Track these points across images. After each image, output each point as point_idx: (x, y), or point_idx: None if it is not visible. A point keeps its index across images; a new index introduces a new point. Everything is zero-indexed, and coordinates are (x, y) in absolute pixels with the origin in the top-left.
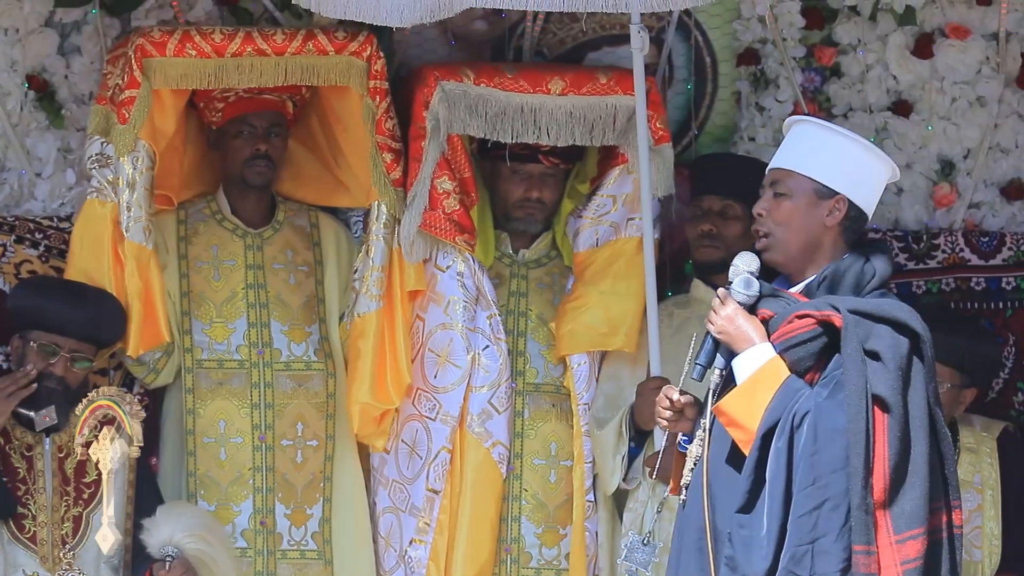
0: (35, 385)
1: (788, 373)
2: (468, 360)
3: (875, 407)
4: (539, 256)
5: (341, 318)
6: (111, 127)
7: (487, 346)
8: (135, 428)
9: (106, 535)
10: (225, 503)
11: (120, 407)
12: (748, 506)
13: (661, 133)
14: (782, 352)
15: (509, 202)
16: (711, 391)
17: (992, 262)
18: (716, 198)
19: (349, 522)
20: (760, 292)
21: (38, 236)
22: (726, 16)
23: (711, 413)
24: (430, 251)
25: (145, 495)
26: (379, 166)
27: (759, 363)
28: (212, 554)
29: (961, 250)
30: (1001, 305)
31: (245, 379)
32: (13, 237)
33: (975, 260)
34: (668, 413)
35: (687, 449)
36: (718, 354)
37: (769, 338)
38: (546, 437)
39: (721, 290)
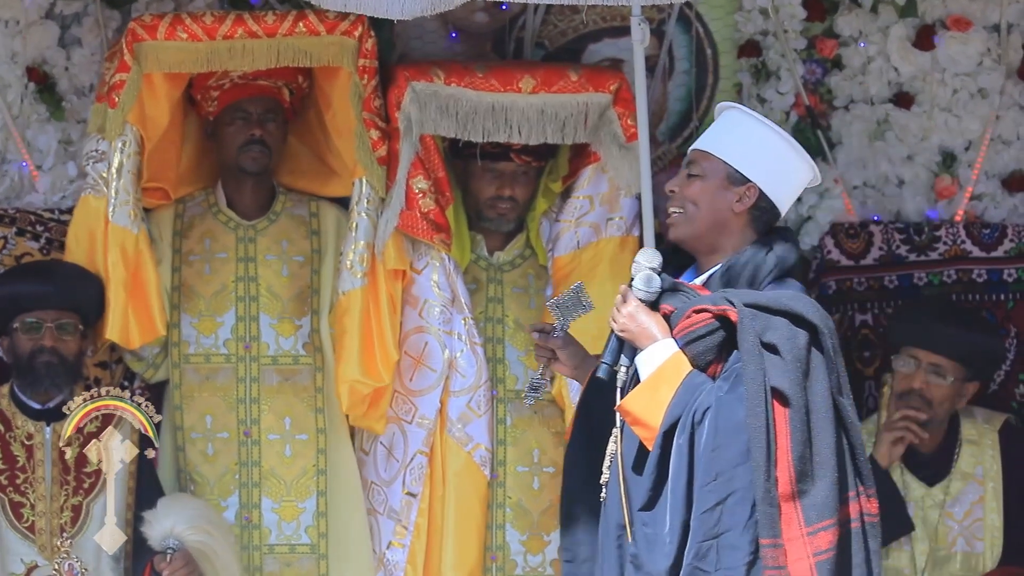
0: None
1: (690, 368)
2: (444, 363)
3: (774, 400)
4: (513, 257)
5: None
6: (106, 118)
7: (463, 350)
8: (152, 431)
9: (109, 535)
10: (213, 499)
11: (138, 409)
12: (650, 503)
13: (632, 131)
14: (684, 346)
15: (481, 200)
16: (620, 389)
17: (993, 254)
18: None
19: (345, 515)
20: (661, 287)
21: (39, 228)
22: (727, 8)
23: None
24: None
25: (146, 487)
26: (365, 143)
27: (661, 359)
28: (213, 546)
29: (963, 242)
30: (1002, 297)
31: (231, 374)
32: (14, 229)
33: (976, 252)
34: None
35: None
36: (623, 352)
37: (672, 333)
38: (528, 444)
39: (623, 287)
